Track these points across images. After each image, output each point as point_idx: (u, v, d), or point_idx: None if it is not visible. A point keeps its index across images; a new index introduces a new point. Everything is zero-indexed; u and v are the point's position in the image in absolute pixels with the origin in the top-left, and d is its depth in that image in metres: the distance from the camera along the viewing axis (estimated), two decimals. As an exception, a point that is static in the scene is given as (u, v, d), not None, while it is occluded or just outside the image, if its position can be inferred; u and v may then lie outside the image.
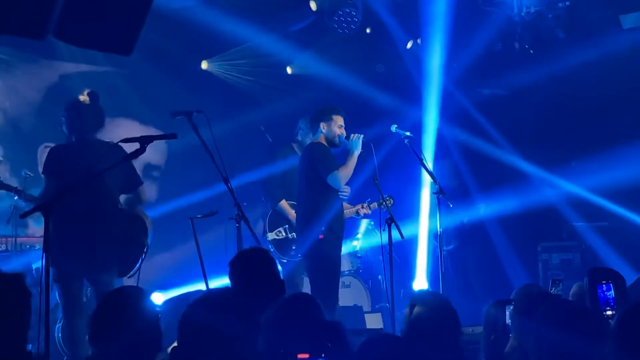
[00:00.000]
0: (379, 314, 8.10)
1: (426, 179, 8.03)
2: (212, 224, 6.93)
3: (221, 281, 5.69)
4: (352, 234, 8.48)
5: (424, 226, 8.67)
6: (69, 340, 5.38)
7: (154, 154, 8.86)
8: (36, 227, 7.55)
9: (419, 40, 8.93)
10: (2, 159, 7.48)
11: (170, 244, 8.15)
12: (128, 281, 5.79)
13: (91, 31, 4.29)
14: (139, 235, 5.51)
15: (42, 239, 3.82)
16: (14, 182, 6.08)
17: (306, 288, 6.73)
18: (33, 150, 7.91)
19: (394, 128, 6.46)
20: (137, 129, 8.40)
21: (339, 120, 6.39)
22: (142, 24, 4.35)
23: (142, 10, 4.34)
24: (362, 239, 8.58)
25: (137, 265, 5.47)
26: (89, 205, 5.25)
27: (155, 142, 4.22)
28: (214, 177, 5.27)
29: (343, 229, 6.42)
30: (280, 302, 3.48)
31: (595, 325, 2.92)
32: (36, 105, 8.16)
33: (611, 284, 4.23)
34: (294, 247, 7.01)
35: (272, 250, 7.10)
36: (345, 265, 7.94)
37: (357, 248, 8.51)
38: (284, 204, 7.24)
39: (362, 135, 6.29)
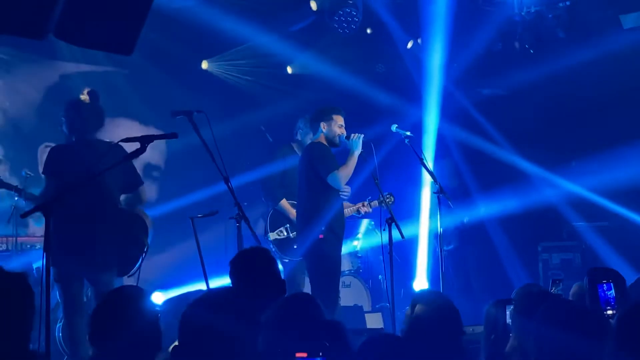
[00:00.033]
0: (379, 314, 8.09)
1: (426, 179, 8.03)
2: (212, 223, 6.94)
3: (221, 281, 5.69)
4: (352, 233, 8.48)
5: (424, 226, 8.67)
6: (70, 340, 5.39)
7: (154, 154, 8.86)
8: (36, 227, 7.56)
9: (419, 40, 8.93)
10: (2, 158, 7.48)
11: (170, 243, 8.15)
12: (128, 280, 5.79)
13: (92, 31, 4.30)
14: (139, 235, 5.52)
15: (42, 238, 3.82)
16: (14, 182, 6.08)
17: (307, 288, 6.73)
18: (33, 150, 7.91)
19: (394, 128, 6.45)
20: (137, 129, 8.41)
21: (339, 120, 6.39)
22: (143, 23, 4.35)
23: (142, 10, 4.34)
24: (363, 238, 8.59)
25: (137, 264, 5.47)
26: (89, 205, 5.26)
27: (155, 142, 4.22)
28: (214, 177, 5.27)
29: (343, 228, 6.42)
30: (280, 302, 3.48)
31: (595, 324, 2.91)
32: (37, 105, 8.17)
33: (612, 284, 4.23)
34: (295, 247, 7.00)
35: (273, 250, 7.09)
36: (345, 265, 7.94)
37: (358, 248, 8.51)
38: (284, 203, 7.24)
39: (362, 135, 6.28)
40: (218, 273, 5.94)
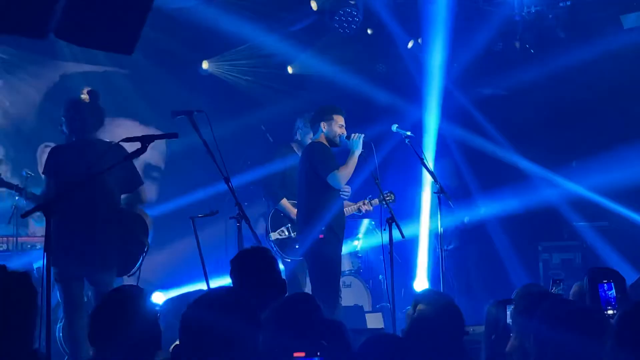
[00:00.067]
0: (380, 314, 8.09)
1: (427, 179, 8.03)
2: (212, 223, 6.93)
3: (222, 281, 5.69)
4: (352, 233, 8.48)
5: (424, 226, 8.67)
6: (70, 340, 5.39)
7: (154, 154, 8.86)
8: (37, 227, 7.56)
9: (419, 40, 8.93)
10: (2, 158, 7.48)
11: (171, 243, 8.15)
12: (128, 280, 5.79)
13: (92, 30, 4.30)
14: (139, 235, 5.51)
15: (43, 238, 3.82)
16: (14, 182, 6.07)
17: (309, 288, 6.73)
18: (34, 150, 7.92)
19: (394, 128, 6.45)
20: (137, 129, 8.41)
21: (339, 120, 6.38)
22: (144, 23, 4.35)
23: (143, 9, 4.34)
24: (363, 238, 8.59)
25: (138, 264, 5.47)
26: (89, 205, 5.26)
27: (155, 142, 4.22)
28: (214, 177, 5.27)
29: (343, 228, 6.42)
30: (280, 302, 3.49)
31: (595, 324, 2.91)
32: (37, 105, 8.17)
33: (612, 284, 4.23)
34: (297, 247, 7.00)
35: (275, 250, 7.08)
36: (346, 265, 7.95)
37: (358, 248, 8.51)
38: (285, 202, 7.23)
39: (362, 135, 6.28)
40: (218, 273, 5.94)
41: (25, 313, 2.72)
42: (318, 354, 2.70)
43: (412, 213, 8.69)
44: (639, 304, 2.81)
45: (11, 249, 6.93)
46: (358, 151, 6.21)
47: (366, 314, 7.86)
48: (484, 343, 3.94)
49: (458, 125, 9.39)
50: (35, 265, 6.40)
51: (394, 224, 5.80)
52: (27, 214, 4.02)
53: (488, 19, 8.56)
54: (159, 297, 7.07)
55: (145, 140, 4.07)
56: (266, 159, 7.66)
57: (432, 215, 8.23)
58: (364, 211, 7.24)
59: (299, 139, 7.40)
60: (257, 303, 2.99)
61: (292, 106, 8.63)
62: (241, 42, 8.65)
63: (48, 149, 5.65)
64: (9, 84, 7.99)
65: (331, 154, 6.31)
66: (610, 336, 2.73)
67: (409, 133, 6.37)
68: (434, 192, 6.33)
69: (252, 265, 4.03)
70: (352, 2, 7.95)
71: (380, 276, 8.63)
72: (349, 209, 7.06)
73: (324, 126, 6.37)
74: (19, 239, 7.00)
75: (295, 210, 6.97)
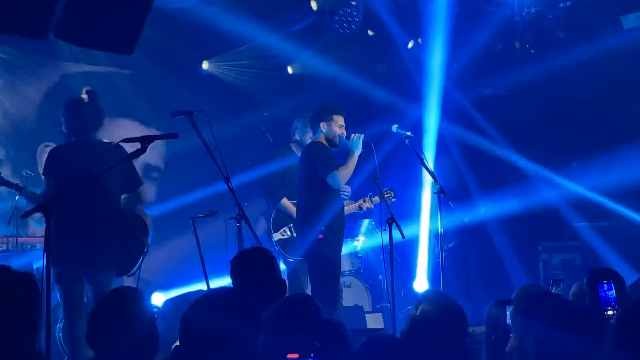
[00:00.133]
0: (380, 314, 8.09)
1: (427, 179, 8.03)
2: (212, 223, 6.93)
3: (222, 281, 5.69)
4: (352, 233, 8.48)
5: (424, 226, 8.67)
6: (70, 340, 5.39)
7: (154, 154, 8.86)
8: (37, 227, 7.56)
9: (419, 40, 8.93)
10: (3, 159, 7.47)
11: (171, 243, 8.15)
12: (128, 280, 5.79)
13: (92, 31, 4.30)
14: (139, 235, 5.51)
15: (43, 239, 3.82)
16: (15, 182, 6.07)
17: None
18: (34, 150, 7.92)
19: (394, 128, 6.45)
20: (138, 129, 8.41)
21: (339, 120, 6.37)
22: (143, 23, 4.36)
23: (143, 9, 4.34)
24: (363, 238, 8.58)
25: (137, 265, 5.47)
26: (89, 206, 5.26)
27: (154, 142, 4.22)
28: (214, 177, 5.27)
29: (343, 228, 6.41)
30: (279, 302, 3.49)
31: (594, 325, 2.91)
32: (37, 105, 8.17)
33: (612, 284, 4.23)
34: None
35: (278, 250, 7.07)
36: (346, 265, 7.95)
37: (358, 248, 8.51)
38: (285, 202, 7.22)
39: (362, 135, 6.27)
40: (218, 273, 5.94)
41: (28, 314, 2.72)
42: (312, 355, 2.70)
43: (412, 213, 8.69)
44: (638, 304, 2.80)
45: (11, 249, 6.93)
46: (358, 151, 6.20)
47: (366, 314, 7.86)
48: (485, 343, 3.94)
49: (458, 125, 9.39)
50: (35, 266, 6.40)
51: (394, 224, 5.79)
52: (27, 215, 4.01)
53: (488, 19, 8.56)
54: (158, 298, 7.07)
55: (145, 141, 4.07)
56: (266, 159, 7.66)
57: (432, 215, 8.24)
58: (365, 209, 7.24)
59: (298, 139, 7.40)
60: (257, 303, 2.99)
61: (292, 106, 8.63)
62: (241, 42, 8.65)
63: (48, 149, 5.65)
64: (9, 84, 7.99)
65: (331, 154, 6.30)
66: (609, 336, 2.73)
67: (409, 133, 6.37)
68: (434, 193, 6.33)
69: (252, 265, 4.03)
70: (353, 3, 7.95)
71: (380, 276, 8.64)
72: (350, 207, 7.06)
73: (323, 126, 6.36)
74: (19, 239, 7.00)
75: (295, 209, 6.96)
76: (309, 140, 6.86)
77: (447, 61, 8.71)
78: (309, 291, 6.42)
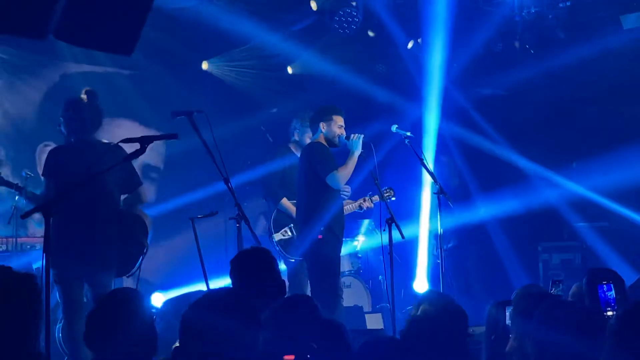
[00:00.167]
0: (380, 314, 8.09)
1: (427, 179, 8.03)
2: (212, 223, 6.93)
3: (222, 281, 5.70)
4: (352, 234, 8.48)
5: (424, 226, 8.66)
6: (69, 341, 5.39)
7: (153, 155, 8.86)
8: (37, 228, 7.55)
9: (419, 41, 8.93)
10: (3, 159, 7.47)
11: (170, 244, 8.15)
12: (128, 281, 5.79)
13: (91, 31, 4.30)
14: (139, 235, 5.51)
15: (42, 239, 3.82)
16: (14, 182, 6.07)
17: (311, 288, 6.71)
18: (34, 150, 7.91)
19: (394, 128, 6.45)
20: (138, 130, 8.40)
21: (339, 120, 6.37)
22: (143, 24, 4.36)
23: (142, 10, 4.34)
24: (363, 239, 8.58)
25: (137, 265, 5.47)
26: (89, 206, 5.25)
27: (154, 143, 4.22)
28: (214, 177, 5.27)
29: (343, 229, 6.41)
30: (279, 302, 3.49)
31: (594, 325, 2.92)
32: (37, 106, 8.16)
33: (612, 284, 4.22)
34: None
35: (279, 250, 7.06)
36: (345, 266, 7.95)
37: (358, 248, 8.51)
38: (285, 202, 7.21)
39: (362, 136, 6.27)
40: (218, 273, 5.94)
41: (29, 315, 2.72)
42: (308, 356, 2.70)
43: (412, 214, 8.69)
44: (638, 304, 2.81)
45: (11, 250, 6.92)
46: (357, 152, 6.20)
47: (366, 315, 7.86)
48: (484, 343, 3.94)
49: (458, 125, 9.39)
50: (34, 266, 6.41)
51: (393, 224, 5.79)
52: (27, 215, 4.01)
53: (488, 19, 8.56)
54: (158, 298, 7.07)
55: (145, 141, 4.06)
56: (265, 159, 7.65)
57: (432, 216, 8.23)
58: (365, 208, 7.24)
59: (297, 139, 7.39)
60: (257, 304, 2.99)
61: (292, 106, 8.63)
62: (241, 42, 8.65)
63: (47, 149, 5.65)
64: (9, 84, 7.99)
65: (330, 155, 6.30)
66: (608, 337, 2.73)
67: (408, 134, 6.37)
68: (434, 193, 6.33)
69: (251, 265, 4.03)
70: (353, 3, 7.95)
71: (380, 277, 8.63)
72: (350, 206, 7.06)
73: (323, 126, 6.36)
74: (18, 239, 7.00)
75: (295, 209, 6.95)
76: (308, 141, 6.86)
77: (447, 61, 8.70)
78: (309, 291, 6.41)
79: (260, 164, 7.60)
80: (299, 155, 6.78)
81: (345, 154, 6.28)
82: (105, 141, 5.51)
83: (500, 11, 8.56)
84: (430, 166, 6.75)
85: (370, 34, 8.75)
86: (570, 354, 2.81)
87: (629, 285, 4.72)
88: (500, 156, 9.37)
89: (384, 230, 5.83)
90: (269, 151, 8.03)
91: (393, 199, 7.10)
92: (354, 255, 8.44)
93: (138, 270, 5.49)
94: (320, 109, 6.49)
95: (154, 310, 6.47)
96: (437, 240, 6.58)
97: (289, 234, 7.16)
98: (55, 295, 5.44)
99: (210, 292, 3.54)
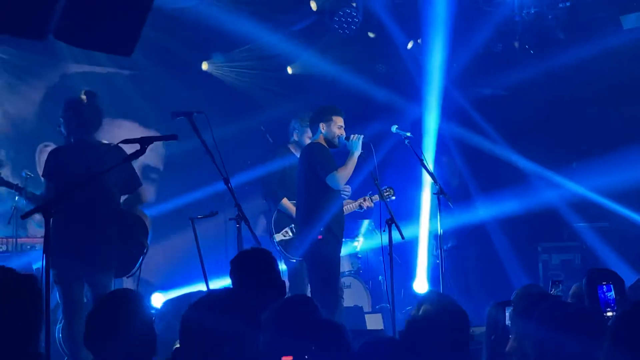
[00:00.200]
0: (380, 315, 8.10)
1: (427, 180, 8.03)
2: (212, 224, 6.93)
3: (222, 281, 5.70)
4: (352, 234, 8.48)
5: (424, 227, 8.67)
6: (69, 341, 5.39)
7: (152, 155, 8.86)
8: (37, 228, 7.55)
9: (419, 41, 8.93)
10: (3, 159, 7.47)
11: (170, 244, 8.15)
12: (128, 281, 5.79)
13: (91, 32, 4.30)
14: (139, 235, 5.51)
15: (42, 239, 3.82)
16: (14, 182, 6.07)
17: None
18: (34, 150, 7.91)
19: (394, 129, 6.45)
20: (137, 130, 8.41)
21: (338, 121, 6.36)
22: (143, 24, 4.36)
23: (142, 11, 4.34)
24: (363, 239, 8.58)
25: (137, 265, 5.47)
26: (89, 206, 5.25)
27: (154, 143, 4.21)
28: (213, 178, 5.27)
29: (342, 229, 6.40)
30: (278, 303, 3.49)
31: (593, 326, 2.92)
32: (37, 106, 8.17)
33: (611, 285, 4.22)
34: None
35: (279, 250, 7.05)
36: (345, 266, 7.95)
37: (358, 249, 8.51)
38: (286, 202, 7.19)
39: (362, 136, 6.26)
40: (218, 273, 5.95)
41: (30, 315, 2.72)
42: (306, 357, 2.70)
43: (412, 214, 8.69)
44: (637, 304, 2.81)
45: (10, 250, 6.92)
46: (357, 152, 6.20)
47: (366, 315, 7.86)
48: (484, 344, 3.94)
49: (458, 125, 9.39)
50: (34, 266, 6.41)
51: (393, 225, 5.79)
52: (26, 215, 4.01)
53: (488, 19, 8.56)
54: (158, 298, 7.08)
55: (144, 142, 4.06)
56: (266, 159, 7.65)
57: (432, 216, 8.24)
58: (365, 208, 7.23)
59: (296, 139, 7.37)
60: (256, 304, 2.99)
61: (292, 107, 8.63)
62: (241, 42, 8.65)
63: (47, 149, 5.65)
64: (8, 84, 7.99)
65: (330, 155, 6.29)
66: (607, 337, 2.73)
67: (408, 134, 6.37)
68: (434, 193, 6.33)
69: (251, 266, 4.03)
70: (353, 4, 7.95)
71: (380, 277, 8.63)
72: (350, 206, 7.06)
73: (322, 127, 6.35)
74: (18, 239, 7.00)
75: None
76: (307, 141, 6.86)
77: (447, 61, 8.71)
78: (309, 292, 6.41)
79: (260, 164, 7.59)
80: (298, 156, 6.77)
81: (345, 154, 6.28)
82: (105, 142, 5.51)
83: (500, 11, 8.56)
84: (430, 166, 6.75)
85: (370, 35, 8.75)
86: (570, 354, 2.81)
87: (628, 286, 4.71)
88: (500, 156, 9.37)
89: (384, 230, 5.83)
90: (269, 151, 8.03)
91: (393, 198, 7.10)
92: (354, 255, 8.44)
93: (138, 271, 5.49)
94: (320, 110, 6.48)
95: (153, 311, 6.47)
96: (437, 240, 6.59)
97: (290, 234, 7.15)
98: (55, 296, 5.44)
99: (211, 293, 3.54)
